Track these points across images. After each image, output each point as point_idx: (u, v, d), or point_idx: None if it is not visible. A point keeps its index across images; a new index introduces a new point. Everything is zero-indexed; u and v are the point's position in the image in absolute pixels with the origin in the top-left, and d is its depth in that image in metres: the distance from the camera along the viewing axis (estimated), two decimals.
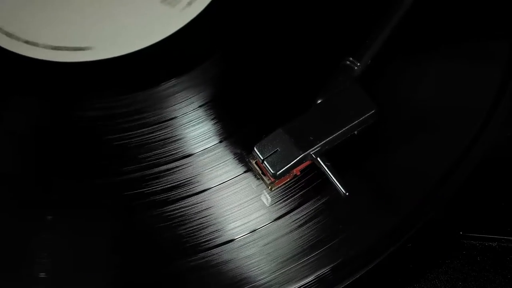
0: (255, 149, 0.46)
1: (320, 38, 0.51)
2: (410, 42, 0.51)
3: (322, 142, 0.45)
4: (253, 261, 0.46)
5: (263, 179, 0.46)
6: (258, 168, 0.46)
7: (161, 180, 0.48)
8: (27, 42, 0.52)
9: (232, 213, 0.47)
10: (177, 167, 0.48)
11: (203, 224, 0.47)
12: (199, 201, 0.47)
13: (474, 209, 0.50)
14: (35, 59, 0.52)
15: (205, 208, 0.47)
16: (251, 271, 0.46)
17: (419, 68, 0.51)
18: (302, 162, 0.46)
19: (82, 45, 0.52)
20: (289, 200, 0.47)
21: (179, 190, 0.47)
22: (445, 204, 0.48)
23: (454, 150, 0.49)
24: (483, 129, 0.49)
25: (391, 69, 0.50)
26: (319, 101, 0.47)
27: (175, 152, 0.48)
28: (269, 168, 0.45)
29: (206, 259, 0.46)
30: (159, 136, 0.49)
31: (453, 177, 0.48)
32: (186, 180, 0.48)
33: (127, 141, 0.49)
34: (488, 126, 0.49)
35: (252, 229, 0.47)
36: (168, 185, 0.47)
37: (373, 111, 0.46)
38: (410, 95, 0.50)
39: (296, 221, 0.47)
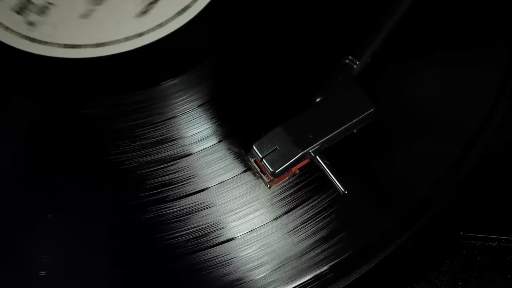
0: (253, 147, 0.46)
1: (319, 36, 0.51)
2: (410, 41, 0.51)
3: (321, 141, 0.45)
4: (252, 260, 0.46)
5: (262, 178, 0.46)
6: (257, 167, 0.46)
7: (160, 179, 0.48)
8: (27, 37, 0.52)
9: (231, 212, 0.47)
10: (176, 166, 0.48)
11: (203, 224, 0.47)
12: (199, 201, 0.47)
13: (474, 209, 0.50)
14: (33, 56, 0.52)
15: (205, 207, 0.47)
16: (250, 270, 0.46)
17: (418, 67, 0.51)
18: (301, 161, 0.46)
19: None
20: (288, 199, 0.47)
21: (178, 190, 0.47)
22: (445, 204, 0.48)
23: (454, 150, 0.49)
24: (482, 128, 0.49)
25: (390, 68, 0.50)
26: (318, 100, 0.47)
27: (174, 151, 0.48)
28: (268, 166, 0.45)
29: (206, 257, 0.46)
30: (158, 136, 0.49)
31: (453, 176, 0.48)
32: (185, 179, 0.48)
33: (126, 140, 0.49)
34: (488, 125, 0.49)
35: (251, 228, 0.47)
36: (168, 185, 0.47)
37: (371, 110, 0.46)
38: (409, 94, 0.50)
39: (295, 220, 0.47)
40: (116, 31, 0.52)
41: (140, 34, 0.52)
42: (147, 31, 0.52)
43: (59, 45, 0.52)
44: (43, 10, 0.53)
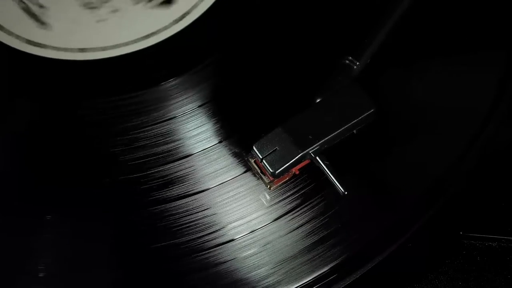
0: (254, 147, 0.46)
1: (320, 37, 0.51)
2: (410, 41, 0.51)
3: (321, 141, 0.45)
4: (252, 261, 0.46)
5: (262, 178, 0.47)
6: (257, 167, 0.46)
7: (160, 180, 0.48)
8: (29, 41, 0.52)
9: (232, 213, 0.47)
10: (177, 167, 0.48)
11: (203, 224, 0.47)
12: (199, 201, 0.47)
13: (474, 209, 0.50)
14: (35, 57, 0.52)
15: (205, 208, 0.47)
16: (251, 271, 0.46)
17: (418, 68, 0.51)
18: (301, 161, 0.46)
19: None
20: (288, 200, 0.47)
21: (178, 190, 0.47)
22: (445, 204, 0.48)
23: (454, 150, 0.49)
24: (483, 129, 0.49)
25: (390, 69, 0.50)
26: (318, 100, 0.47)
27: (174, 152, 0.48)
28: (268, 167, 0.45)
29: (206, 259, 0.46)
30: (159, 136, 0.49)
31: (453, 177, 0.48)
32: (186, 180, 0.48)
33: (126, 141, 0.49)
34: (488, 126, 0.49)
35: (252, 229, 0.47)
36: (168, 185, 0.47)
37: (372, 110, 0.46)
38: (409, 94, 0.50)
39: (296, 220, 0.47)
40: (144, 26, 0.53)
41: (167, 26, 0.52)
42: (174, 22, 0.52)
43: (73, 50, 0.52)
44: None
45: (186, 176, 0.48)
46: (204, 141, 0.49)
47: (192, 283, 0.46)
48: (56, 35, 0.53)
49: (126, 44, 0.52)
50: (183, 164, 0.48)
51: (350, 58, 0.48)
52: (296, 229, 0.47)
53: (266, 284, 0.45)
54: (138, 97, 0.50)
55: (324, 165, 0.45)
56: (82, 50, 0.52)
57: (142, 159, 0.48)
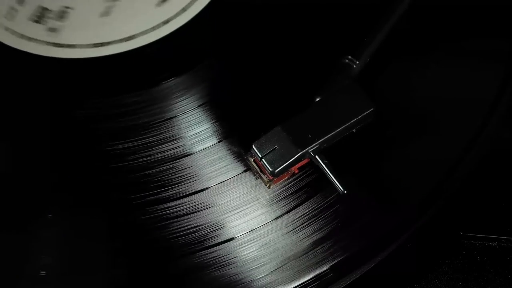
0: (253, 146, 0.46)
1: (319, 36, 0.52)
2: (409, 40, 0.51)
3: (320, 140, 0.45)
4: (252, 260, 0.46)
5: (261, 177, 0.47)
6: (256, 166, 0.46)
7: (160, 179, 0.48)
8: (26, 37, 0.53)
9: (231, 212, 0.47)
10: (177, 166, 0.48)
11: (203, 223, 0.47)
12: (199, 200, 0.47)
13: (474, 209, 0.50)
14: (34, 55, 0.52)
15: (205, 207, 0.47)
16: (251, 270, 0.46)
17: (418, 67, 0.51)
18: (300, 160, 0.46)
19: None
20: (288, 199, 0.47)
21: (178, 190, 0.47)
22: (445, 204, 0.48)
23: (453, 150, 0.49)
24: (483, 128, 0.49)
25: (389, 68, 0.50)
26: (317, 99, 0.47)
27: (174, 151, 0.48)
28: (267, 166, 0.45)
29: (206, 258, 0.46)
30: (158, 136, 0.49)
31: (453, 177, 0.48)
32: (186, 179, 0.48)
33: (126, 140, 0.49)
34: (488, 126, 0.49)
35: (251, 228, 0.47)
36: (168, 185, 0.47)
37: (371, 109, 0.46)
38: (409, 94, 0.50)
39: (295, 220, 0.47)
40: (142, 22, 0.53)
41: (166, 22, 0.52)
42: (173, 17, 0.52)
43: (88, 46, 0.52)
44: (61, 15, 0.53)
45: (185, 176, 0.48)
46: (203, 141, 0.49)
47: (192, 282, 0.46)
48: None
49: (126, 42, 0.52)
50: (183, 164, 0.48)
51: (350, 57, 0.48)
52: (295, 228, 0.47)
53: (266, 283, 0.45)
54: (138, 97, 0.50)
55: (324, 164, 0.45)
56: (107, 44, 0.52)
57: (142, 159, 0.48)
